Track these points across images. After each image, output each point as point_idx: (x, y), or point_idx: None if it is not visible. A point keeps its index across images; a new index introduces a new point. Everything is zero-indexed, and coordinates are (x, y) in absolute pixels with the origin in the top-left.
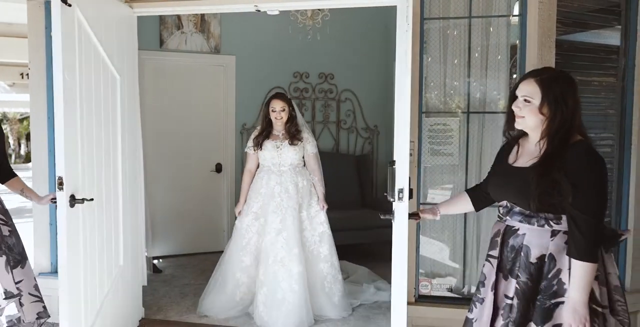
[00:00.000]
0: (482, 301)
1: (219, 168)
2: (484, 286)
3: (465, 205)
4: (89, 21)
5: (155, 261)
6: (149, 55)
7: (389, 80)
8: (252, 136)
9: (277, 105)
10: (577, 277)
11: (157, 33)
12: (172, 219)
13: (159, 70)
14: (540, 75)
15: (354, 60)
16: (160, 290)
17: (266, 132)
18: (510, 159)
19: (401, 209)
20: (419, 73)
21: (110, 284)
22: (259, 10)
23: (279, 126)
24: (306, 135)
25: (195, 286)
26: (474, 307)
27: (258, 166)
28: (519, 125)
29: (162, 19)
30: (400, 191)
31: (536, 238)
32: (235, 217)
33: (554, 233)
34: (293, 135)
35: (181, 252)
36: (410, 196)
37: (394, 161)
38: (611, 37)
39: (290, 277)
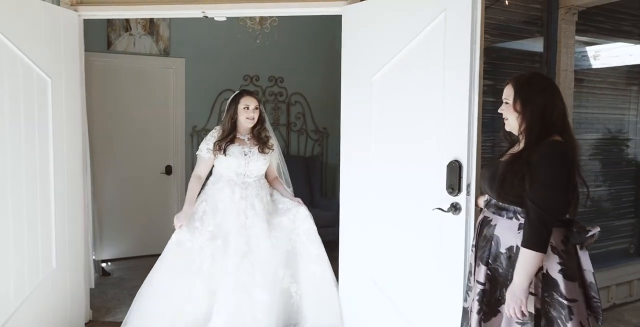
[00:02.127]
0: (472, 288)
1: (169, 170)
2: (472, 274)
3: None
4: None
5: (104, 264)
6: (96, 57)
7: (337, 84)
8: (210, 138)
9: (252, 103)
10: (520, 263)
11: (104, 35)
12: (122, 221)
13: (107, 72)
14: (518, 79)
15: (303, 64)
16: (108, 292)
17: (232, 136)
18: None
19: (470, 202)
20: None
21: (34, 288)
22: (207, 16)
23: (246, 129)
24: (274, 141)
25: None
26: (467, 296)
27: (208, 175)
28: (507, 127)
29: (109, 21)
30: (468, 185)
31: (506, 230)
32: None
33: (520, 226)
34: (264, 141)
35: (131, 255)
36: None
37: (456, 161)
38: (535, 47)
39: (253, 306)
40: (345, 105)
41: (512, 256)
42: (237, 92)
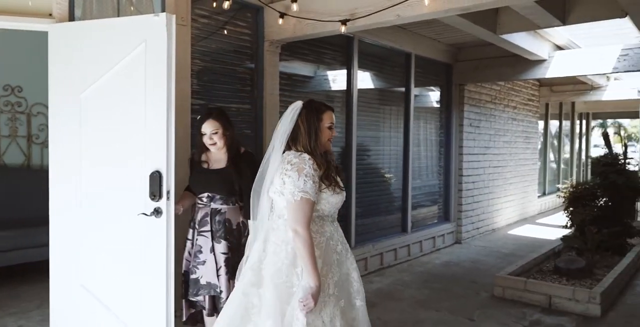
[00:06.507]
0: (204, 262)
1: None
2: (202, 252)
3: (193, 199)
4: None
5: None
6: None
7: None
8: (311, 171)
9: (333, 119)
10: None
11: None
12: None
13: None
14: (213, 115)
15: (46, 74)
16: None
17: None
18: (204, 166)
19: (170, 206)
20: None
21: None
22: None
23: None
24: None
25: None
26: (196, 270)
27: None
28: (214, 148)
29: None
30: (168, 192)
31: (233, 214)
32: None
33: (240, 208)
34: (341, 169)
35: None
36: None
37: (157, 171)
38: (246, 73)
39: None
40: (53, 123)
41: (240, 229)
42: (307, 102)
